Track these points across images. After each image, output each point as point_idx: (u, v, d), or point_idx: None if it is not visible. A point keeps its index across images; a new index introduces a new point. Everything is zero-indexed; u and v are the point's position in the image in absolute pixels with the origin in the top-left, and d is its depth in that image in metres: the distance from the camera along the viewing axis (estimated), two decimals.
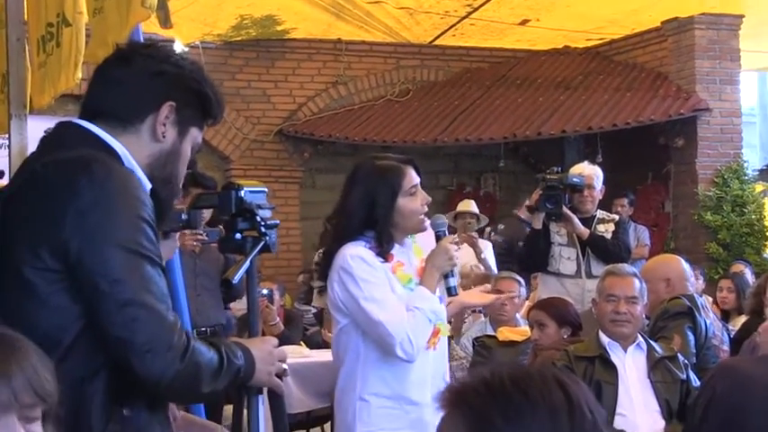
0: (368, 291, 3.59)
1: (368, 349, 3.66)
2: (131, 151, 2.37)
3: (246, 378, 2.43)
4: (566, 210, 6.39)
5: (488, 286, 4.82)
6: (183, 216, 2.88)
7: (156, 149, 2.41)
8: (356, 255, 3.61)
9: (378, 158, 3.84)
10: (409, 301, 3.61)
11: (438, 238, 3.79)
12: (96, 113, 2.39)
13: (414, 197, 3.68)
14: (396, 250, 3.71)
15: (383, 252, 3.65)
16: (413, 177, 3.71)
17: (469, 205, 8.78)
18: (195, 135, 2.51)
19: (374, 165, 3.78)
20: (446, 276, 3.72)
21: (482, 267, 7.77)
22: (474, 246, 7.85)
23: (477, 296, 4.20)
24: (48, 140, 2.39)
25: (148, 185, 2.39)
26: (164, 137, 2.41)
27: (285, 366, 2.61)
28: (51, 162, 2.27)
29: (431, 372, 3.70)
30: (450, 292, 3.77)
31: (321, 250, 5.92)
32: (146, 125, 2.40)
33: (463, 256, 7.80)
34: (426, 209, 3.77)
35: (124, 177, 2.26)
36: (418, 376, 3.65)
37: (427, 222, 3.76)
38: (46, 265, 2.18)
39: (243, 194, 2.67)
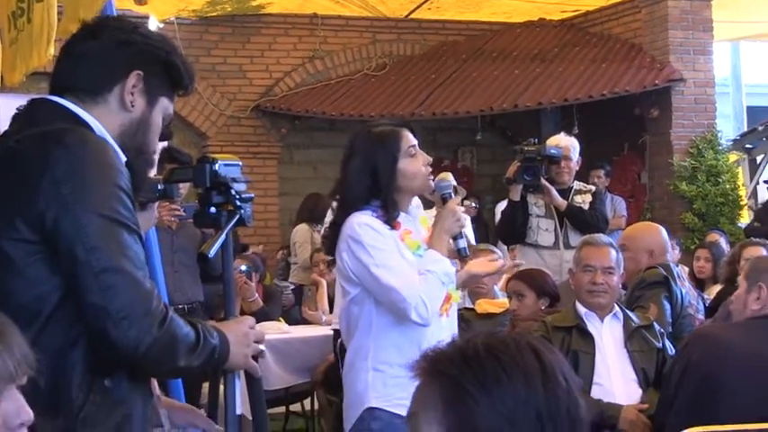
0: (378, 257, 3.56)
1: (380, 318, 3.62)
2: (102, 123, 2.37)
3: (221, 360, 2.44)
4: (543, 181, 6.41)
5: (494, 255, 4.80)
6: (160, 186, 2.87)
7: (126, 119, 2.41)
8: (364, 222, 3.59)
9: (372, 126, 3.80)
10: (420, 264, 3.59)
11: (444, 200, 3.79)
12: (65, 88, 2.40)
13: (414, 158, 3.67)
14: (402, 218, 3.68)
15: (390, 219, 3.62)
16: (410, 138, 3.69)
17: (447, 177, 8.70)
18: (165, 105, 2.50)
19: (370, 132, 3.74)
20: (455, 238, 3.72)
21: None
22: None
23: (484, 265, 4.13)
24: (20, 117, 2.39)
25: (122, 158, 2.38)
26: (132, 106, 2.41)
27: (262, 347, 2.62)
28: (25, 137, 2.28)
29: (444, 339, 3.67)
30: (461, 253, 3.77)
31: (298, 227, 5.96)
32: (113, 95, 2.40)
33: None
34: (430, 169, 3.76)
35: (99, 146, 2.27)
36: (432, 343, 3.62)
37: (431, 182, 3.76)
38: (23, 236, 2.19)
39: (217, 167, 2.66)
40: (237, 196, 2.65)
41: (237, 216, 2.64)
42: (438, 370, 1.56)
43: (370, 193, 3.63)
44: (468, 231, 7.72)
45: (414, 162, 3.67)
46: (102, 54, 2.40)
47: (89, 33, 2.45)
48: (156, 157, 2.56)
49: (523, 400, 1.50)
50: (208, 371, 2.59)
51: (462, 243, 3.76)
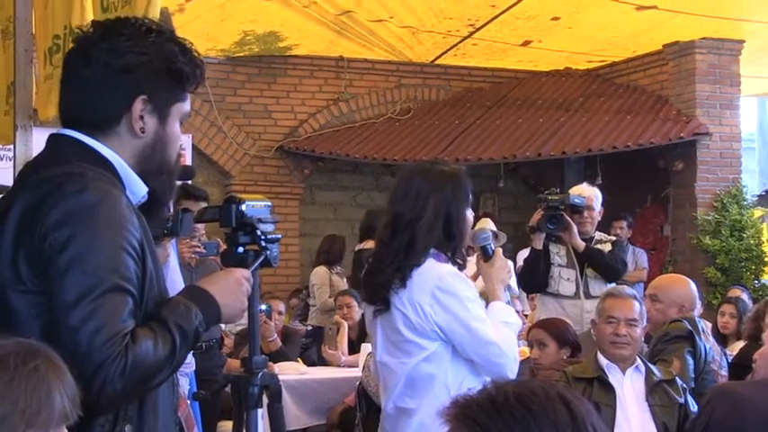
0: (475, 311, 3.37)
1: (456, 376, 3.42)
2: (119, 154, 2.30)
3: (213, 325, 2.36)
4: (566, 218, 6.40)
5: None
6: (168, 224, 2.87)
7: (139, 145, 2.33)
8: (454, 273, 3.39)
9: (435, 163, 3.63)
10: (493, 317, 3.43)
11: (484, 249, 3.64)
12: (75, 121, 2.32)
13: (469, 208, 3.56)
14: None
15: (461, 268, 3.46)
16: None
17: (486, 223, 8.62)
18: (181, 109, 2.40)
19: (443, 171, 3.52)
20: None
21: None
22: None
23: None
24: (41, 155, 2.35)
25: (144, 189, 2.34)
26: (143, 131, 2.32)
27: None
28: (33, 182, 2.22)
29: None
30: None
31: (316, 269, 5.90)
32: (122, 125, 2.31)
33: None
34: None
35: (98, 197, 2.16)
36: None
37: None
38: (27, 287, 2.15)
39: (244, 208, 2.66)
40: (263, 237, 2.64)
41: (263, 257, 2.63)
42: (467, 416, 1.55)
43: (444, 239, 3.45)
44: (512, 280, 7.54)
45: (470, 212, 3.55)
46: (99, 86, 2.29)
47: (81, 56, 2.31)
48: (177, 164, 2.46)
49: None
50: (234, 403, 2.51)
51: (507, 296, 3.67)
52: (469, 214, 3.53)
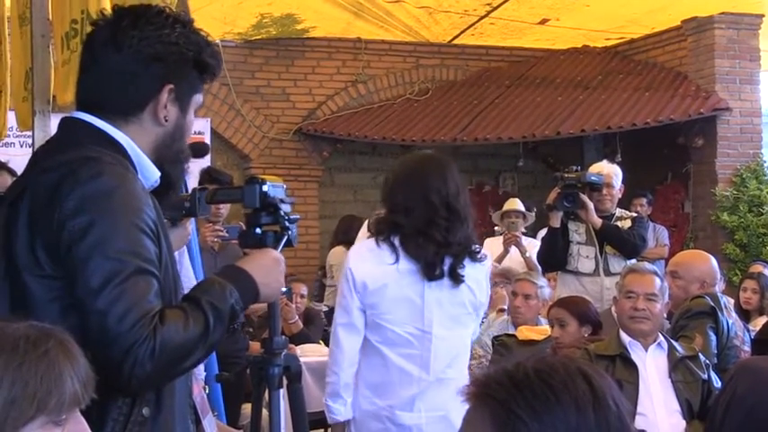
0: None
1: None
2: (136, 141, 2.31)
3: (249, 304, 2.36)
4: (582, 196, 6.38)
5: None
6: (186, 204, 2.87)
7: (160, 133, 2.35)
8: None
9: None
10: None
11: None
12: (96, 105, 2.32)
13: None
14: None
15: None
16: None
17: (515, 203, 8.52)
18: (198, 100, 2.43)
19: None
20: None
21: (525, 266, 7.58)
22: (518, 245, 7.71)
23: None
24: (53, 139, 2.36)
25: (156, 174, 2.35)
26: (166, 120, 2.34)
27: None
28: (47, 166, 2.22)
29: None
30: None
31: (333, 249, 5.97)
32: (147, 112, 2.33)
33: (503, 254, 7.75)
34: None
35: (114, 182, 2.17)
36: None
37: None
38: (45, 272, 2.15)
39: (266, 189, 2.66)
40: (286, 217, 2.65)
41: (286, 237, 2.64)
42: (487, 394, 1.54)
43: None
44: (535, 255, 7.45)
45: None
46: (129, 72, 2.30)
47: (111, 41, 2.31)
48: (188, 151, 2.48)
49: (574, 426, 1.49)
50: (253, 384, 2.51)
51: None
52: None
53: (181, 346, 2.14)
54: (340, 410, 3.80)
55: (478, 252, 3.85)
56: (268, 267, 2.43)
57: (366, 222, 5.96)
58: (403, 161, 4.03)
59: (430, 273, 3.74)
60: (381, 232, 3.81)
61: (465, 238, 3.77)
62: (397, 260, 3.74)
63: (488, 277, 3.95)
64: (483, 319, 6.97)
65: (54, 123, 3.96)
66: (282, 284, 2.47)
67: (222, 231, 5.84)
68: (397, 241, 3.75)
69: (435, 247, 3.73)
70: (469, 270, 3.77)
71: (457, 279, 3.75)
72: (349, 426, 3.86)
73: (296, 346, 6.47)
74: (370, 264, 3.77)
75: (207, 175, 6.53)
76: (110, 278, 2.09)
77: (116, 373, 2.08)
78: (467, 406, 1.57)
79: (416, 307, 3.74)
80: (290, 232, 2.64)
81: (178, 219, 2.93)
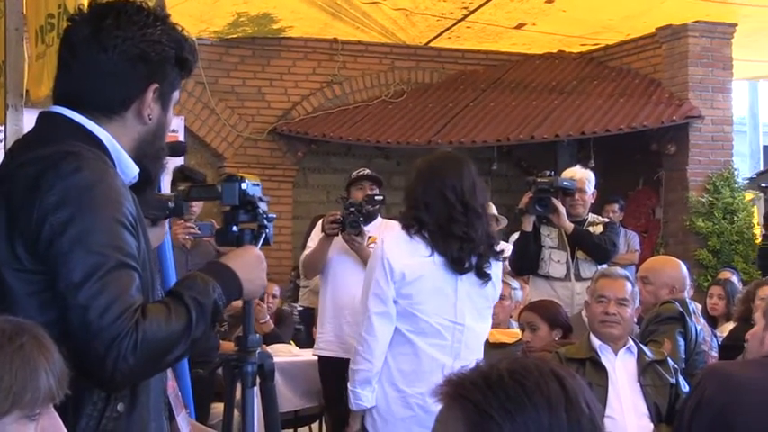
0: None
1: None
2: (117, 138, 2.31)
3: (233, 300, 2.37)
4: (555, 201, 6.40)
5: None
6: (170, 204, 2.87)
7: (143, 131, 2.35)
8: None
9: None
10: None
11: None
12: (76, 101, 2.31)
13: None
14: None
15: None
16: None
17: (489, 208, 8.57)
18: (176, 97, 2.43)
19: None
20: None
21: None
22: None
23: None
24: (32, 133, 2.33)
25: (135, 170, 2.34)
26: (150, 119, 2.34)
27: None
28: (26, 160, 2.20)
29: None
30: None
31: (307, 251, 6.03)
32: (131, 111, 2.32)
33: None
34: None
35: (95, 176, 2.16)
36: None
37: None
38: (24, 266, 2.14)
39: (245, 186, 2.67)
40: (264, 215, 2.65)
41: (264, 235, 2.64)
42: (461, 394, 1.55)
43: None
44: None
45: None
46: (115, 72, 2.29)
47: (95, 42, 2.29)
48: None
49: (546, 427, 1.50)
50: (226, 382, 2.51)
51: None
52: None
53: (163, 340, 2.14)
54: (368, 397, 3.93)
55: (500, 251, 4.10)
56: (251, 264, 2.43)
57: (320, 222, 6.01)
58: (423, 159, 4.17)
59: (458, 267, 3.94)
60: (411, 226, 3.96)
61: (486, 234, 3.98)
62: (432, 253, 3.92)
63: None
64: None
65: (27, 118, 3.94)
66: (265, 281, 2.47)
67: (194, 229, 5.82)
68: (427, 235, 3.92)
69: (459, 242, 3.92)
70: (494, 268, 4.04)
71: (484, 275, 3.98)
72: (370, 413, 3.98)
73: (267, 345, 6.46)
74: (407, 255, 3.92)
75: (180, 174, 6.49)
76: (91, 272, 2.09)
77: (99, 367, 2.07)
78: (439, 406, 1.58)
79: (449, 299, 3.94)
80: (267, 230, 2.65)
81: (161, 218, 2.93)
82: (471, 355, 3.93)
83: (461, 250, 3.90)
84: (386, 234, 4.55)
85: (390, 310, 3.92)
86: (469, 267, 3.93)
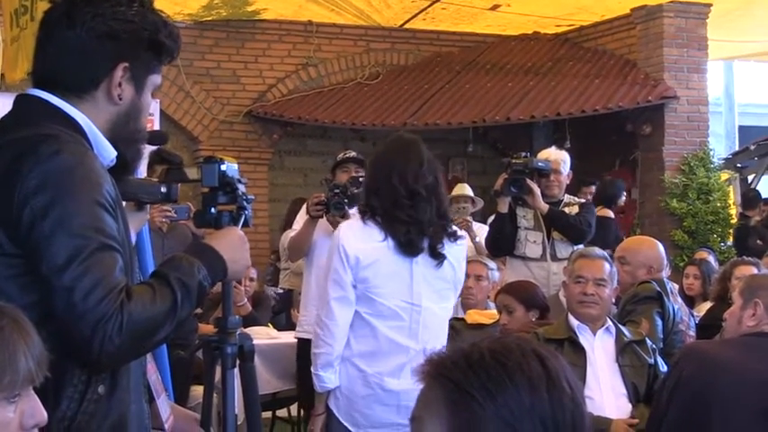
0: None
1: None
2: (91, 119, 2.29)
3: (218, 281, 2.38)
4: (529, 182, 6.41)
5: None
6: (163, 189, 2.86)
7: (114, 112, 2.32)
8: None
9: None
10: None
11: None
12: (50, 82, 2.29)
13: None
14: None
15: None
16: None
17: (464, 189, 8.64)
18: (154, 81, 2.40)
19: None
20: None
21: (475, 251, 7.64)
22: (468, 230, 7.79)
23: None
24: (9, 116, 2.31)
25: (113, 153, 2.33)
26: (120, 99, 2.31)
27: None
28: (4, 143, 2.18)
29: None
30: None
31: (286, 232, 6.03)
32: (100, 90, 2.30)
33: None
34: None
35: (74, 158, 2.15)
36: None
37: None
38: (3, 250, 2.13)
39: (224, 168, 2.66)
40: (244, 197, 2.64)
41: (243, 217, 2.64)
42: (442, 374, 1.55)
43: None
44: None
45: None
46: (82, 49, 2.27)
47: (65, 17, 2.28)
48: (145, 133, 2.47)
49: (528, 407, 1.50)
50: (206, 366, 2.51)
51: None
52: None
53: (149, 321, 2.14)
54: (331, 379, 4.06)
55: (455, 232, 4.11)
56: (235, 245, 2.43)
57: (305, 204, 6.03)
58: (378, 144, 4.40)
59: (409, 250, 4.00)
60: (364, 212, 4.08)
61: (438, 215, 4.02)
62: (385, 237, 4.01)
63: (465, 256, 4.27)
64: None
65: (2, 102, 3.91)
66: (249, 262, 2.48)
67: (170, 212, 5.78)
68: (379, 219, 4.01)
69: (405, 226, 3.98)
70: (449, 249, 4.04)
71: (438, 256, 4.02)
72: (333, 394, 4.10)
73: (244, 328, 6.45)
74: (361, 241, 4.02)
75: (157, 156, 6.45)
76: (74, 255, 2.08)
77: (85, 349, 2.07)
78: (421, 385, 1.58)
79: (405, 281, 4.02)
80: (246, 212, 2.64)
81: (151, 203, 2.92)
82: (431, 336, 4.04)
83: (408, 233, 3.98)
84: (342, 222, 4.72)
85: (349, 294, 4.02)
86: (422, 249, 4.00)
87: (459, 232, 4.18)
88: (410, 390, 3.86)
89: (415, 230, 3.98)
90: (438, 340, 4.04)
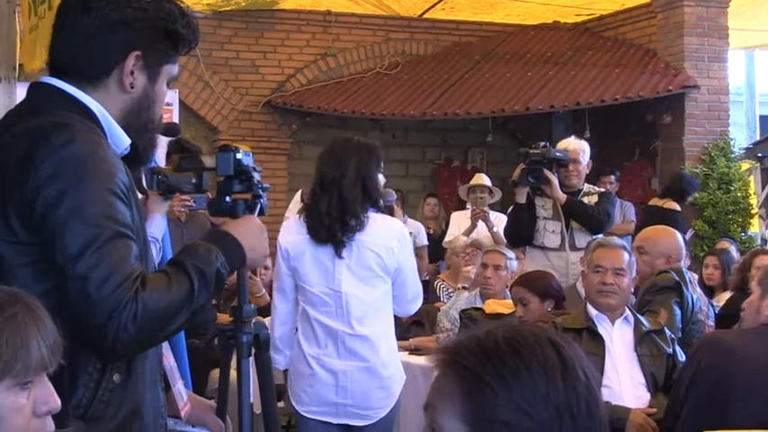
0: (414, 262, 4.59)
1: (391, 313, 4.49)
2: (105, 106, 2.29)
3: (235, 269, 2.38)
4: (547, 172, 6.39)
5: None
6: (193, 180, 2.87)
7: (127, 101, 2.32)
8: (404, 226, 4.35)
9: (353, 137, 4.47)
10: None
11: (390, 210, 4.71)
12: (64, 69, 2.30)
13: None
14: None
15: None
16: None
17: (482, 179, 8.64)
18: (170, 71, 2.40)
19: (359, 142, 4.39)
20: None
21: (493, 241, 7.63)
22: (485, 220, 7.83)
23: None
24: (24, 104, 2.32)
25: (127, 141, 2.33)
26: (132, 87, 2.31)
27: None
28: (18, 132, 2.19)
29: None
30: None
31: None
32: (112, 78, 2.30)
33: (470, 228, 7.89)
34: None
35: (87, 148, 2.15)
36: None
37: None
38: (18, 238, 2.13)
39: (240, 156, 2.65)
40: (259, 185, 2.64)
41: (259, 205, 2.63)
42: (457, 361, 1.54)
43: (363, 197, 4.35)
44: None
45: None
46: (95, 36, 2.27)
47: (80, 4, 2.30)
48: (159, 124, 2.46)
49: (543, 395, 1.49)
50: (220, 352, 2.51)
51: None
52: (381, 178, 4.40)
53: (164, 309, 2.14)
54: (280, 361, 4.50)
55: (361, 223, 4.31)
56: (253, 233, 2.43)
57: (299, 192, 6.22)
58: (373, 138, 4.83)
59: (319, 241, 4.33)
60: (302, 211, 4.45)
61: (336, 208, 4.26)
62: (308, 230, 4.36)
63: (405, 245, 4.46)
64: (450, 294, 7.05)
65: (20, 91, 3.92)
66: (267, 251, 2.48)
67: (189, 201, 5.78)
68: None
69: (311, 220, 4.34)
70: (370, 238, 4.30)
71: (341, 245, 4.29)
72: (288, 371, 4.58)
73: (263, 318, 6.45)
74: (291, 235, 4.42)
75: (177, 145, 6.46)
76: (88, 244, 2.08)
77: (100, 337, 2.07)
78: (436, 372, 1.57)
79: (328, 270, 4.35)
80: (261, 200, 2.64)
81: (181, 192, 2.94)
82: (360, 320, 4.34)
83: (313, 225, 4.32)
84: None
85: (285, 285, 4.45)
86: (326, 239, 4.31)
87: (380, 221, 4.38)
88: (347, 371, 4.29)
89: (317, 222, 4.30)
90: (372, 326, 4.36)
